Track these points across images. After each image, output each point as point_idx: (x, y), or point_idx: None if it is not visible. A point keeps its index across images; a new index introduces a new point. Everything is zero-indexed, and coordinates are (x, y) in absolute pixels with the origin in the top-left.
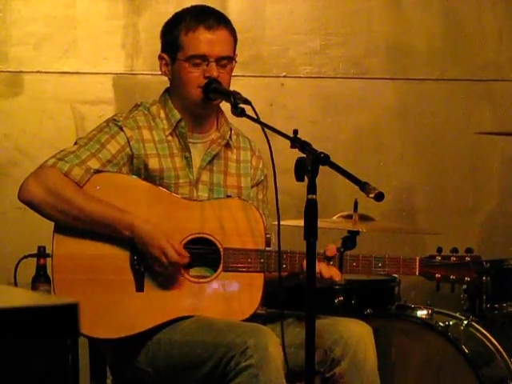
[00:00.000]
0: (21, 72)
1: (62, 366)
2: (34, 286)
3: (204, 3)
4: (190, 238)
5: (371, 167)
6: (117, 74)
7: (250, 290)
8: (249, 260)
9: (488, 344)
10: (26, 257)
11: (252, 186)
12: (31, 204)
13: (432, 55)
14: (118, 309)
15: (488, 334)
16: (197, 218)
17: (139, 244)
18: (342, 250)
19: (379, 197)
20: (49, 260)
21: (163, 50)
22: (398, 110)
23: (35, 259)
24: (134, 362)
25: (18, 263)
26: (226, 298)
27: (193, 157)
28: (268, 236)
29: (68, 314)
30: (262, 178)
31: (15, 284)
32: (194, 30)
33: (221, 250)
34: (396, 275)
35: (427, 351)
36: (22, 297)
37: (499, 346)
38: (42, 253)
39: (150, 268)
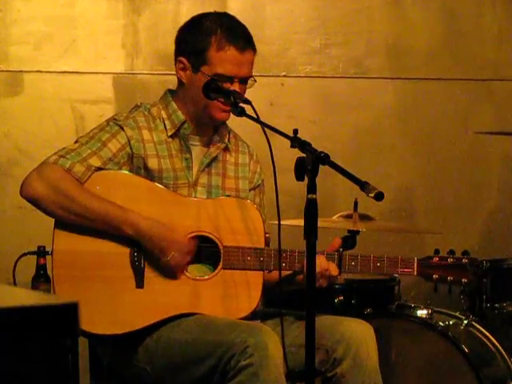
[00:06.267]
0: (21, 72)
1: (62, 366)
2: (34, 285)
3: (203, 3)
4: (190, 235)
5: (371, 167)
6: (117, 73)
7: (249, 288)
8: (248, 258)
9: (488, 344)
10: (25, 254)
11: (249, 190)
12: (33, 200)
13: (432, 55)
14: (117, 305)
15: (488, 334)
16: (196, 216)
17: (144, 241)
18: (341, 249)
19: (379, 196)
20: (49, 259)
21: (183, 54)
22: (398, 110)
23: (35, 258)
24: (133, 360)
25: (16, 261)
26: (225, 296)
27: (193, 159)
28: (267, 235)
29: (68, 314)
30: (260, 182)
31: (14, 282)
32: (226, 51)
33: (221, 248)
34: (396, 275)
35: (427, 351)
36: (21, 297)
37: (499, 346)
38: (41, 252)
39: (151, 264)
